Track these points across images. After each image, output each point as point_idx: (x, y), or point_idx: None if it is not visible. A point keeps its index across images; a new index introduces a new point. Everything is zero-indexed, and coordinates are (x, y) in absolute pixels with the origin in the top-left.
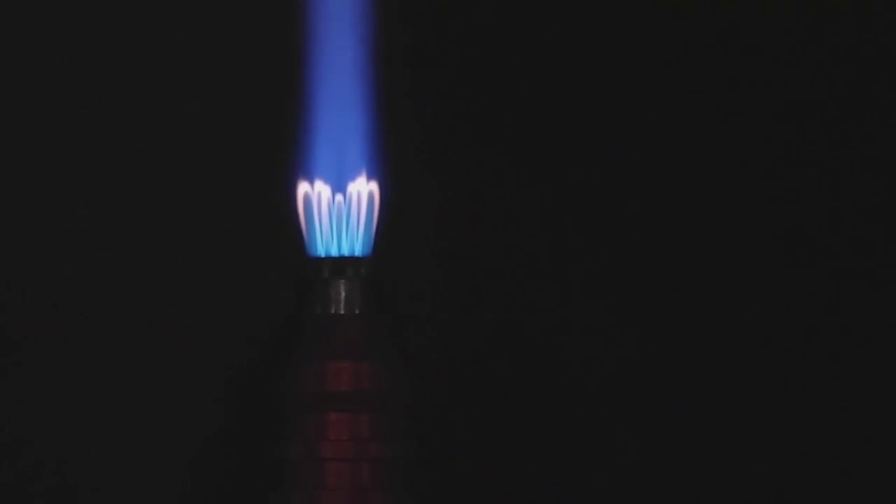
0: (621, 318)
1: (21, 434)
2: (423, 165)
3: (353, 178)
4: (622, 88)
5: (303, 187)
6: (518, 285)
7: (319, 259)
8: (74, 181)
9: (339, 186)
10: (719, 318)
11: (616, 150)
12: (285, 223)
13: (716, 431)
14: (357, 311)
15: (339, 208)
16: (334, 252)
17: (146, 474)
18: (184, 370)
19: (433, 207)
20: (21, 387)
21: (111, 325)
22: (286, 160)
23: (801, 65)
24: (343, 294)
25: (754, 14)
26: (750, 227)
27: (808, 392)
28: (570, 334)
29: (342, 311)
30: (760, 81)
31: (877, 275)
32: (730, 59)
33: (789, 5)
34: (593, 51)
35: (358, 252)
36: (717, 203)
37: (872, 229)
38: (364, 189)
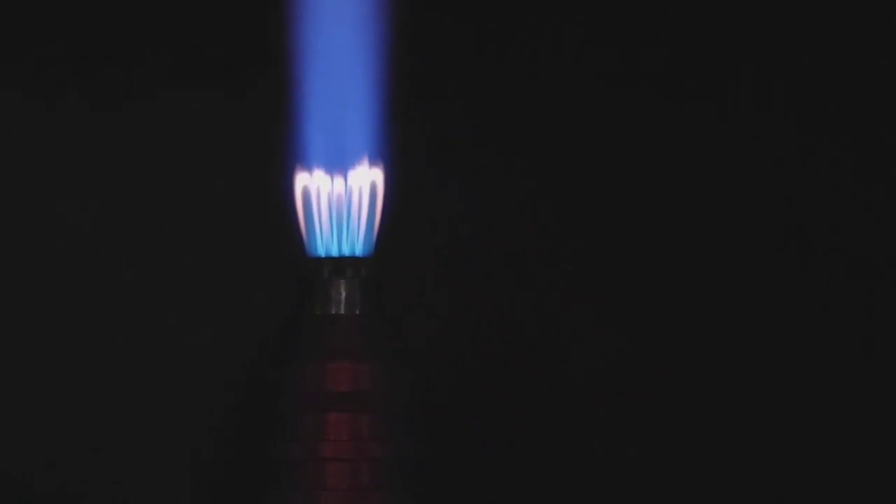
0: (622, 317)
1: (21, 434)
2: (423, 165)
3: (353, 179)
4: (623, 89)
5: (302, 188)
6: (518, 285)
7: (319, 259)
8: (74, 181)
9: (339, 187)
10: (719, 318)
11: (616, 151)
12: (285, 223)
13: (715, 432)
14: (357, 311)
15: (339, 209)
16: (334, 252)
17: (146, 474)
18: (184, 370)
19: (433, 207)
20: (21, 386)
21: (111, 326)
22: (286, 160)
23: (802, 65)
24: (343, 294)
25: (755, 12)
26: (749, 227)
27: (807, 393)
28: (570, 334)
29: (342, 311)
30: (760, 80)
31: (877, 275)
32: (730, 58)
33: (790, 4)
34: (594, 52)
35: (358, 252)
36: (716, 204)
37: (872, 229)
38: (365, 190)
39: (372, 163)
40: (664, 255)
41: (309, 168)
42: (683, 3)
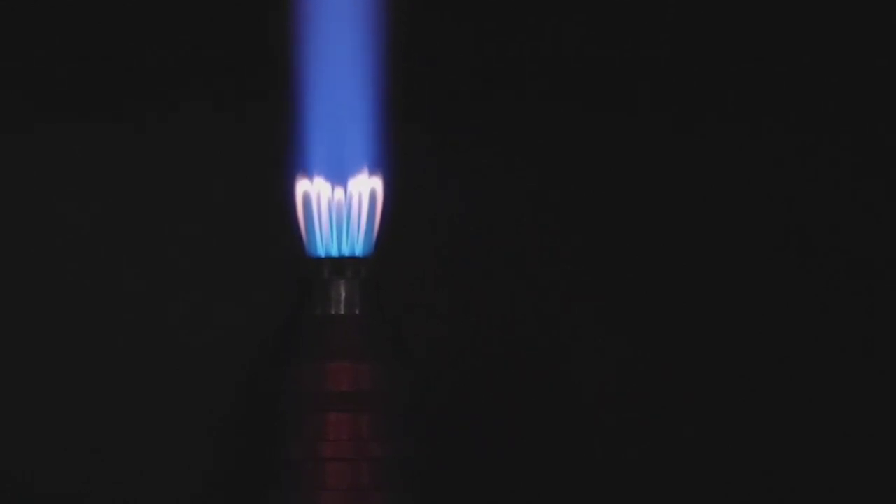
0: (622, 317)
1: (21, 434)
2: (423, 166)
3: (353, 178)
4: (622, 89)
5: (302, 188)
6: (518, 285)
7: (319, 259)
8: (74, 181)
9: (339, 187)
10: (719, 318)
11: (616, 151)
12: (285, 223)
13: (715, 432)
14: (357, 312)
15: (338, 209)
16: (334, 252)
17: (146, 474)
18: (184, 370)
19: (433, 207)
20: (21, 386)
21: (111, 325)
22: (286, 160)
23: (802, 65)
24: (343, 294)
25: (755, 13)
26: (749, 227)
27: (807, 393)
28: (570, 334)
29: (342, 312)
30: (760, 80)
31: (877, 275)
32: (730, 58)
33: (790, 4)
34: (594, 52)
35: (358, 252)
36: (716, 204)
37: (872, 229)
38: (365, 190)
39: (372, 168)
40: (664, 256)
41: (309, 172)
42: (683, 3)
